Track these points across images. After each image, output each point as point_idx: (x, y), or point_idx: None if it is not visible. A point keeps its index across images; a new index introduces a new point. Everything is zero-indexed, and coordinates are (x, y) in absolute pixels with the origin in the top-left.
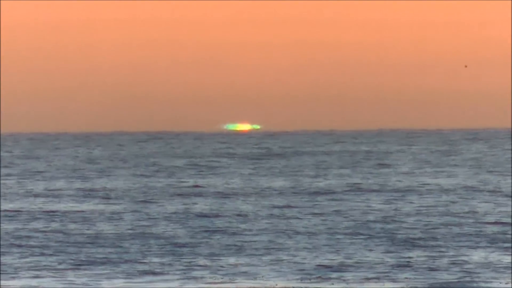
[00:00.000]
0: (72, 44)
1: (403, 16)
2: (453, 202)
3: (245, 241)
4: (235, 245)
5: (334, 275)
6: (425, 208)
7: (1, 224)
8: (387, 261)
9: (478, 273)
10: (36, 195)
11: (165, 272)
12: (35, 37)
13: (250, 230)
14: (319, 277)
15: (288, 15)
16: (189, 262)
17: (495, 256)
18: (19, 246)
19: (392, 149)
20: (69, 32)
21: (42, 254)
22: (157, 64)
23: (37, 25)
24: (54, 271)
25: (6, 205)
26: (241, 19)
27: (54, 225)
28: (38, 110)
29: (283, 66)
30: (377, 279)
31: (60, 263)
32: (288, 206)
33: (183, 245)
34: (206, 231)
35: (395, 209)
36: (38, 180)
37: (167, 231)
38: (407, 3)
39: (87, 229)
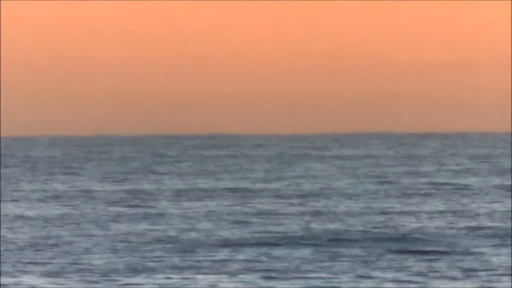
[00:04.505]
0: (73, 45)
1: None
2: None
3: None
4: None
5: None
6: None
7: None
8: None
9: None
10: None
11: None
12: (35, 36)
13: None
14: None
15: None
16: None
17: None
18: None
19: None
20: (70, 32)
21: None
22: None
23: (37, 25)
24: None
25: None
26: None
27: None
28: (35, 113)
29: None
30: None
31: None
32: None
33: None
34: None
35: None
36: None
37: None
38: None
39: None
